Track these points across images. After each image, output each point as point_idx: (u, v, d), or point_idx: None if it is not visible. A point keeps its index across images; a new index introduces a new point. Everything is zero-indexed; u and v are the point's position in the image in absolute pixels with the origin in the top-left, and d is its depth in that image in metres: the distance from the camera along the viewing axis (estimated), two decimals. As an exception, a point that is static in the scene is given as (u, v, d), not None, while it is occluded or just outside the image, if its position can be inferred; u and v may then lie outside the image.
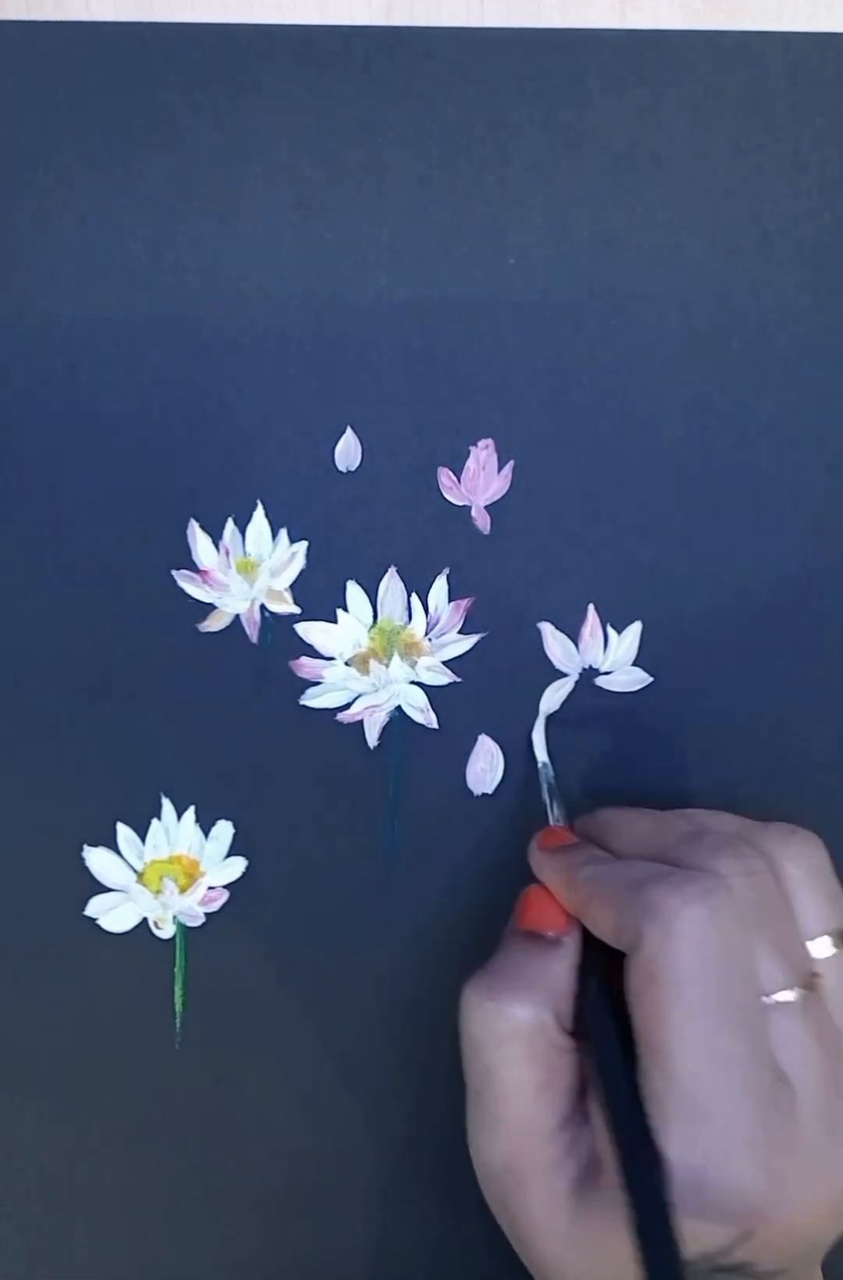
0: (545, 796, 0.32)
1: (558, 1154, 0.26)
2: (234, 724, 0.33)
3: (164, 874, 0.33)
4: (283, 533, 0.33)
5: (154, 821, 0.33)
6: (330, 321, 0.32)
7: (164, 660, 0.33)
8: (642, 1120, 0.24)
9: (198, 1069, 0.34)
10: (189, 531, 0.32)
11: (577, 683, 0.33)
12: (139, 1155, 0.34)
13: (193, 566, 0.33)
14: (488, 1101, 0.26)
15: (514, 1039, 0.26)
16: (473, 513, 0.33)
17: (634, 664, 0.33)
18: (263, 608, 0.33)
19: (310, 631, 0.33)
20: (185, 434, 0.32)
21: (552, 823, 0.31)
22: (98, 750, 0.33)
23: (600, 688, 0.33)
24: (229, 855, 0.33)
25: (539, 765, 0.32)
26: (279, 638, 0.33)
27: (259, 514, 0.33)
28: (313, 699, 0.33)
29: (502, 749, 0.33)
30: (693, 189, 0.32)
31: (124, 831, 0.33)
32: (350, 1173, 0.34)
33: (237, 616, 0.33)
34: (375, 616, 0.33)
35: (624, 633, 0.33)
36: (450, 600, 0.33)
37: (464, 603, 0.33)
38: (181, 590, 0.33)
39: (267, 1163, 0.34)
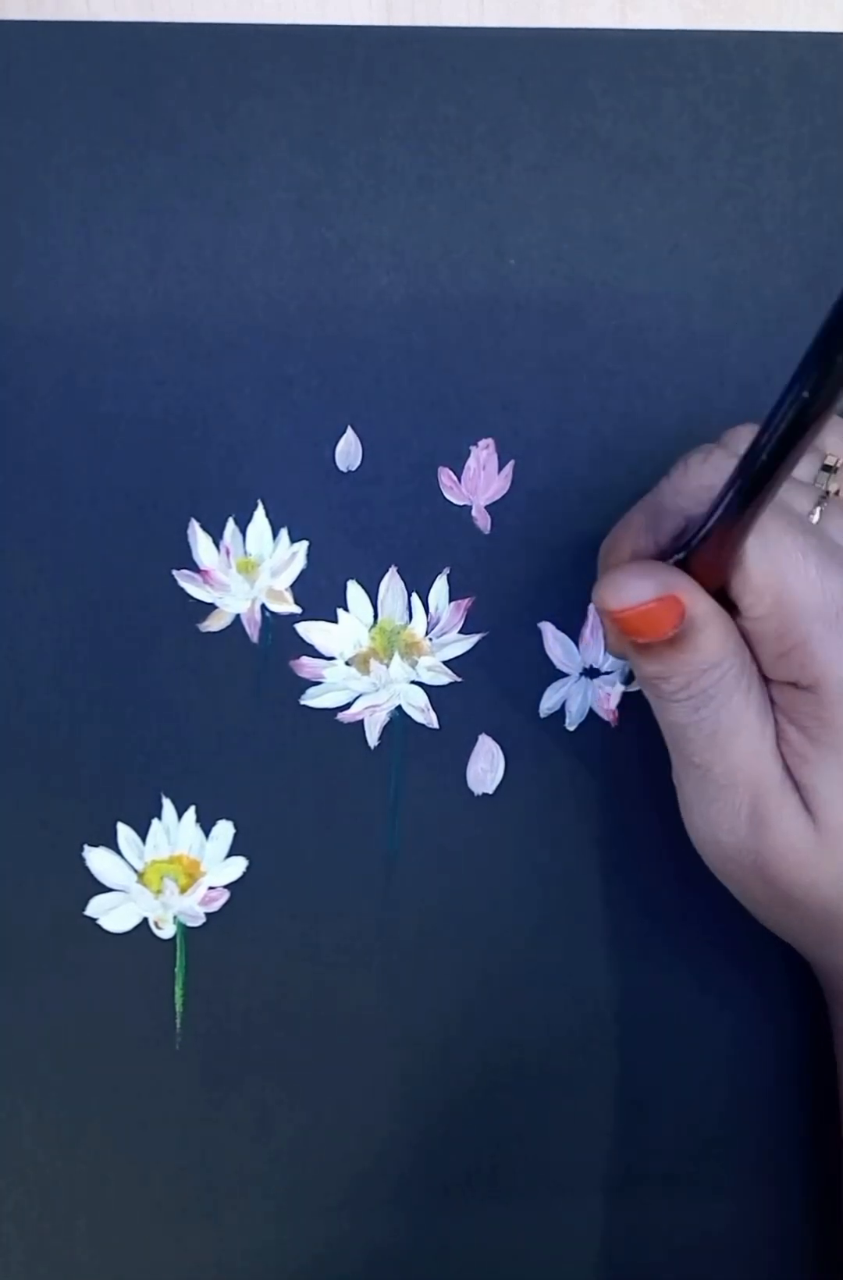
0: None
1: (780, 772, 0.27)
2: (234, 724, 0.33)
3: (164, 874, 0.33)
4: (283, 532, 0.33)
5: (154, 821, 0.33)
6: (330, 321, 0.32)
7: (164, 660, 0.33)
8: None
9: (198, 1069, 0.34)
10: (189, 531, 0.32)
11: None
12: (139, 1155, 0.34)
13: (193, 566, 0.33)
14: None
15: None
16: (473, 513, 0.33)
17: (634, 664, 0.33)
18: (263, 607, 0.33)
19: (311, 631, 0.33)
20: (185, 434, 0.32)
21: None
22: (98, 750, 0.33)
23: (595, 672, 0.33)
24: (229, 855, 0.33)
25: None
26: (279, 637, 0.33)
27: (260, 513, 0.33)
28: (313, 699, 0.33)
29: (502, 749, 0.33)
30: (693, 189, 0.32)
31: (124, 831, 0.33)
32: (350, 1173, 0.34)
33: (237, 616, 0.33)
34: (376, 616, 0.33)
35: (624, 632, 0.33)
36: (451, 600, 0.33)
37: (464, 602, 0.33)
38: (182, 590, 0.33)
39: (267, 1163, 0.34)
